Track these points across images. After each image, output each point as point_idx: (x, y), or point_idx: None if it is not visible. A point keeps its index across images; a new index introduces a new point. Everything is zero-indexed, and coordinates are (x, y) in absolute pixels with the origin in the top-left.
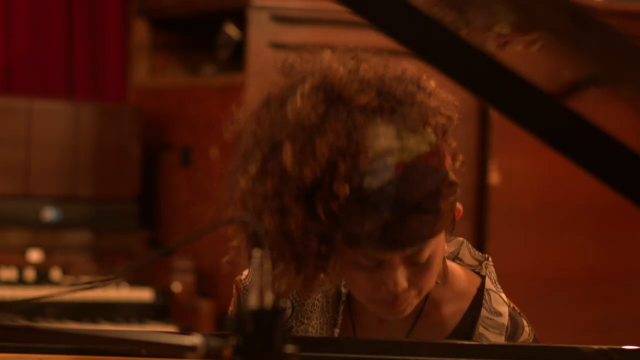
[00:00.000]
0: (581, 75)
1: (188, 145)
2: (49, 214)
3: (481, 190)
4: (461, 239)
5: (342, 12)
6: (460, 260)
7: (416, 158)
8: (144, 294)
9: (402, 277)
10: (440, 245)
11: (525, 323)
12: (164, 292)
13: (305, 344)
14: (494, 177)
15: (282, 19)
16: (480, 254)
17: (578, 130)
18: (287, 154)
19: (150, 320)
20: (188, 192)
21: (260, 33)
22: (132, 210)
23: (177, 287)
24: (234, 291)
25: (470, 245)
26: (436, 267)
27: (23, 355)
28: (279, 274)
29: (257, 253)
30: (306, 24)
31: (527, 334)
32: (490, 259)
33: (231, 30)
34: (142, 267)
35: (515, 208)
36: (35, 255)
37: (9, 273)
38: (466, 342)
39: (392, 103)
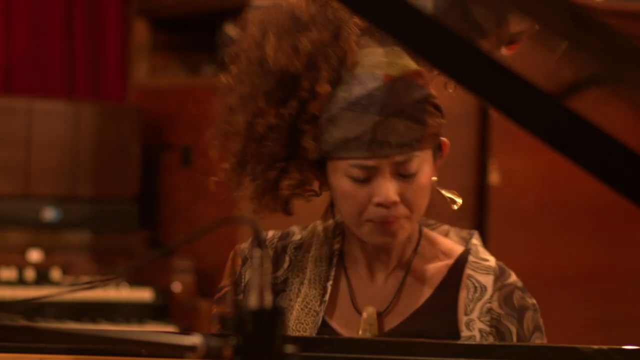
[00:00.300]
0: (581, 75)
1: (188, 145)
2: (49, 214)
3: (481, 190)
4: (447, 226)
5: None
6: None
7: (403, 73)
8: (144, 294)
9: (392, 187)
10: (427, 165)
11: (512, 272)
12: (164, 292)
13: (306, 344)
14: (494, 177)
15: None
16: (467, 232)
17: (578, 130)
18: (270, 48)
19: (150, 320)
20: (188, 192)
21: None
22: (132, 210)
23: (177, 287)
24: (231, 261)
25: (456, 229)
26: (424, 187)
27: (23, 355)
28: (247, 179)
29: (257, 253)
30: None
31: (515, 278)
32: (476, 233)
33: (231, 30)
34: (142, 267)
35: (515, 208)
36: (35, 255)
37: (9, 273)
38: (466, 343)
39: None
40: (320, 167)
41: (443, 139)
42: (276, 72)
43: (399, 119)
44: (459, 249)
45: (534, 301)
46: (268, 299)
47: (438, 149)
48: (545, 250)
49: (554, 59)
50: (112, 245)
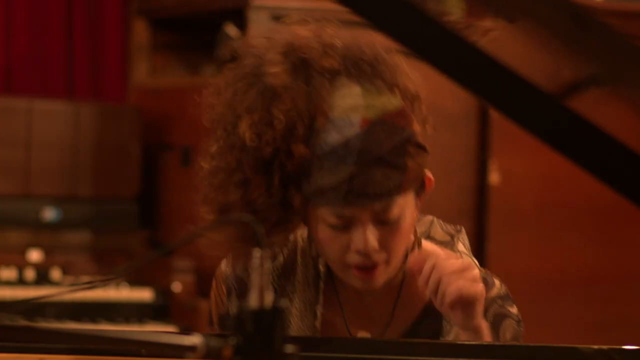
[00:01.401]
0: (581, 75)
1: (188, 145)
2: (49, 214)
3: (481, 190)
4: (431, 217)
5: (342, 12)
6: (432, 238)
7: (382, 116)
8: (144, 294)
9: (371, 235)
10: (409, 208)
11: (497, 281)
12: (164, 292)
13: (305, 344)
14: (494, 177)
15: (282, 19)
16: (452, 227)
17: (578, 130)
18: (244, 127)
19: (150, 320)
20: (188, 192)
21: (260, 33)
22: (132, 210)
23: (177, 287)
24: (216, 290)
25: (441, 222)
26: (406, 231)
27: (23, 355)
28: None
29: (257, 253)
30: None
31: (497, 288)
32: (463, 230)
33: (231, 30)
34: (142, 267)
35: (515, 208)
36: (35, 255)
37: (9, 273)
38: (466, 342)
39: (358, 65)
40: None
41: (427, 175)
42: (254, 150)
43: (377, 168)
44: None
45: (515, 310)
46: (268, 299)
47: (421, 187)
48: (545, 250)
49: (554, 59)
50: (112, 245)
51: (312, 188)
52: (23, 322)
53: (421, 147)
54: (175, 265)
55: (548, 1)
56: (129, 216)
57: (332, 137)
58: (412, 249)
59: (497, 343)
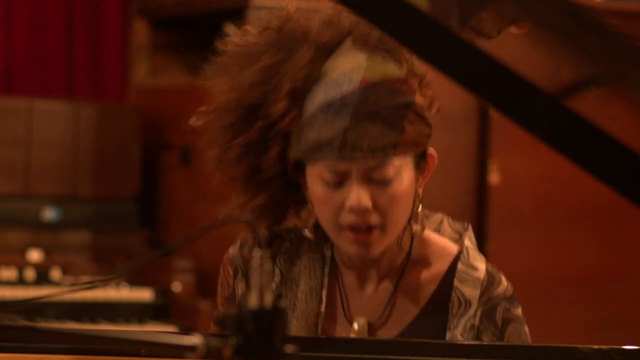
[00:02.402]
0: (581, 75)
1: (188, 145)
2: (49, 214)
3: (481, 190)
4: (441, 215)
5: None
6: (441, 235)
7: (383, 78)
8: (144, 294)
9: (364, 193)
10: (406, 174)
11: (503, 278)
12: (164, 292)
13: (305, 344)
14: (494, 177)
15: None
16: (460, 224)
17: (578, 130)
18: (226, 86)
19: (150, 320)
20: (188, 192)
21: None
22: (132, 210)
23: (177, 287)
24: (223, 271)
25: (450, 220)
26: (402, 197)
27: (23, 355)
28: (245, 202)
29: (257, 253)
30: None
31: (504, 287)
32: (470, 227)
33: (231, 30)
34: (142, 267)
35: (515, 208)
36: (35, 255)
37: (9, 273)
38: (466, 342)
39: (366, 38)
40: (301, 180)
41: (430, 151)
42: (235, 108)
43: (373, 123)
44: (452, 250)
45: (519, 312)
46: (268, 299)
47: (421, 158)
48: (545, 250)
49: (554, 59)
50: (112, 245)
51: (308, 142)
52: (23, 322)
53: (423, 118)
54: (175, 265)
55: (548, 1)
56: (129, 216)
57: (330, 92)
58: (413, 225)
59: (497, 343)
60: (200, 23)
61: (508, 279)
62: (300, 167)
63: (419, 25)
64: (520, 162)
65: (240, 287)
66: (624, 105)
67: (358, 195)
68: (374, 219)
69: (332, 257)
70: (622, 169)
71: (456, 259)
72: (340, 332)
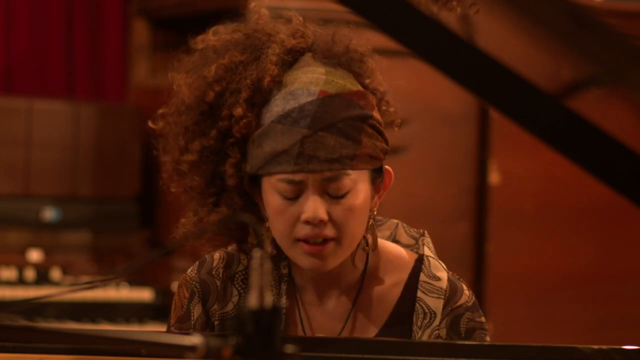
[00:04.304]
0: (581, 75)
1: None
2: (49, 214)
3: (481, 190)
4: (396, 221)
5: (342, 12)
6: (398, 241)
7: (341, 91)
8: (144, 294)
9: (320, 205)
10: (362, 189)
11: (465, 287)
12: (164, 292)
13: (306, 344)
14: (494, 177)
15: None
16: (416, 230)
17: (578, 130)
18: (183, 83)
19: (150, 320)
20: None
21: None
22: (132, 210)
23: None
24: (177, 294)
25: (405, 225)
26: (358, 212)
27: (23, 355)
28: (201, 217)
29: (257, 253)
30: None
31: (466, 296)
32: (426, 233)
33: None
34: (142, 267)
35: (515, 208)
36: (35, 255)
37: (9, 273)
38: (466, 342)
39: (327, 52)
40: (255, 195)
41: (387, 167)
42: (194, 106)
43: (330, 134)
44: (410, 259)
45: (483, 319)
46: (268, 299)
47: (378, 173)
48: (545, 250)
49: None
50: (112, 245)
51: (264, 153)
52: (23, 322)
53: (380, 133)
54: (175, 265)
55: (548, 1)
56: (129, 216)
57: (288, 104)
58: (368, 238)
59: (497, 343)
60: (200, 23)
61: (506, 279)
62: (256, 181)
63: (419, 25)
64: (520, 162)
65: (196, 311)
66: (624, 105)
67: (314, 207)
68: (330, 231)
69: (290, 275)
70: (622, 169)
71: (416, 268)
72: None
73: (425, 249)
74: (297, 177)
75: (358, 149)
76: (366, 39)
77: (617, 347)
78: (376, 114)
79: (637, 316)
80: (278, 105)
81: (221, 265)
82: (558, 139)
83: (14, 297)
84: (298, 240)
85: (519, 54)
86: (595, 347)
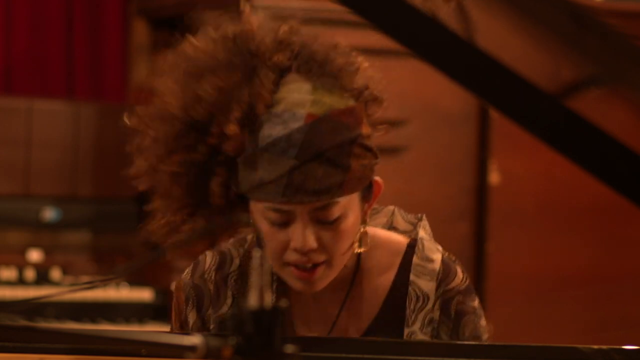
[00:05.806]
0: (581, 75)
1: None
2: (49, 214)
3: (481, 190)
4: (392, 207)
5: (342, 12)
6: (395, 228)
7: (328, 113)
8: (144, 294)
9: (310, 234)
10: (352, 211)
11: (459, 270)
12: (164, 292)
13: (306, 344)
14: (494, 177)
15: (282, 19)
16: (413, 216)
17: (578, 130)
18: (172, 94)
19: (150, 320)
20: None
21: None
22: (132, 210)
23: None
24: (175, 298)
25: (402, 211)
26: (348, 234)
27: (23, 355)
28: (174, 222)
29: (257, 253)
30: (306, 24)
31: (459, 279)
32: (424, 217)
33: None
34: (142, 267)
35: (515, 208)
36: (35, 255)
37: (9, 273)
38: (466, 342)
39: (308, 63)
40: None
41: (376, 178)
42: (180, 118)
43: (318, 164)
44: (402, 243)
45: (475, 304)
46: (268, 299)
47: (367, 191)
48: (545, 250)
49: (554, 59)
50: (112, 245)
51: (251, 180)
52: (23, 322)
53: (369, 150)
54: (175, 265)
55: (548, 1)
56: (129, 216)
57: (275, 130)
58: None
59: (497, 343)
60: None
61: (507, 279)
62: (245, 200)
63: (419, 25)
64: (520, 162)
65: (191, 317)
66: (624, 105)
67: (303, 237)
68: (319, 257)
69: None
70: (622, 169)
71: (409, 252)
72: None
73: (421, 231)
74: (285, 207)
75: (347, 174)
76: (360, 38)
77: (617, 347)
78: (365, 128)
79: (637, 316)
80: (265, 129)
81: (213, 268)
82: (558, 139)
83: (14, 297)
84: (288, 264)
85: (519, 54)
86: (595, 347)
